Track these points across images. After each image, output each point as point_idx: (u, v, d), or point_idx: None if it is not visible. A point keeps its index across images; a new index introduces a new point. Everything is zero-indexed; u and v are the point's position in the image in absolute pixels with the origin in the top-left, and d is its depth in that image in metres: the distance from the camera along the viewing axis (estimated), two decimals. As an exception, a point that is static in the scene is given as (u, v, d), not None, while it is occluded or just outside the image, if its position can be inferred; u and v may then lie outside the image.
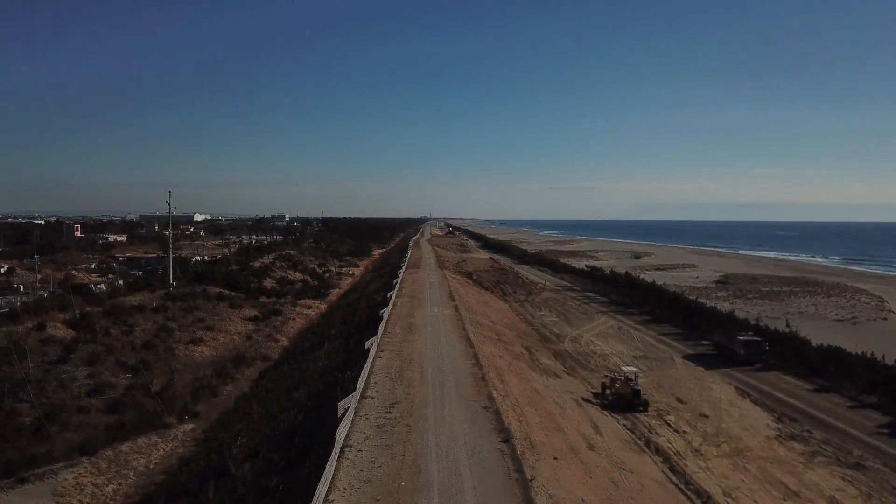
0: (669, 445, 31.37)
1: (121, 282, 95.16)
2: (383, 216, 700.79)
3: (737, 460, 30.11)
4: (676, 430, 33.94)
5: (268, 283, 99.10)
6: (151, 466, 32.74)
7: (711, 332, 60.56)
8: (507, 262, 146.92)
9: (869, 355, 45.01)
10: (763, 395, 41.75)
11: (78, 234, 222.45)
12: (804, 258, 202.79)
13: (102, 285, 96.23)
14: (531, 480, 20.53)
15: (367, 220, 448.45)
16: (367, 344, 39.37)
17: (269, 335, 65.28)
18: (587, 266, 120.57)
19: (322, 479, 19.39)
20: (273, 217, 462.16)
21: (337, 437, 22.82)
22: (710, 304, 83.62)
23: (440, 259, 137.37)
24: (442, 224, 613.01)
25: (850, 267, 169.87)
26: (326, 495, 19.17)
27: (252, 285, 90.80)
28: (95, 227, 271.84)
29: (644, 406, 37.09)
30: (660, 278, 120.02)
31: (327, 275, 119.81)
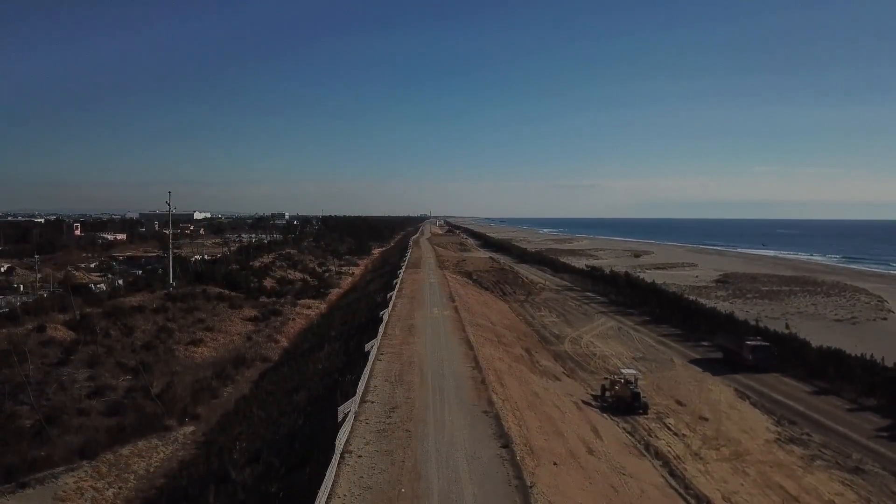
0: (669, 449, 31.40)
1: (121, 281, 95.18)
2: (383, 214, 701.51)
3: (736, 464, 30.13)
4: (676, 434, 33.96)
5: (268, 282, 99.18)
6: (152, 470, 32.78)
7: (712, 333, 60.55)
8: (506, 261, 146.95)
9: (868, 357, 45.04)
10: (762, 398, 41.77)
11: (77, 232, 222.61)
12: (804, 257, 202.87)
13: (102, 285, 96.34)
14: (531, 487, 20.55)
15: (366, 218, 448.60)
16: (367, 346, 39.42)
17: (269, 336, 65.33)
18: (587, 266, 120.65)
19: (322, 487, 19.42)
20: (273, 215, 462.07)
21: (337, 442, 22.85)
22: (709, 303, 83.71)
23: (440, 258, 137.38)
24: (442, 222, 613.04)
25: (849, 266, 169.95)
26: (327, 502, 19.21)
27: (252, 285, 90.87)
28: (95, 225, 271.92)
29: (644, 409, 37.10)
30: (659, 277, 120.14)
31: (327, 274, 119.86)
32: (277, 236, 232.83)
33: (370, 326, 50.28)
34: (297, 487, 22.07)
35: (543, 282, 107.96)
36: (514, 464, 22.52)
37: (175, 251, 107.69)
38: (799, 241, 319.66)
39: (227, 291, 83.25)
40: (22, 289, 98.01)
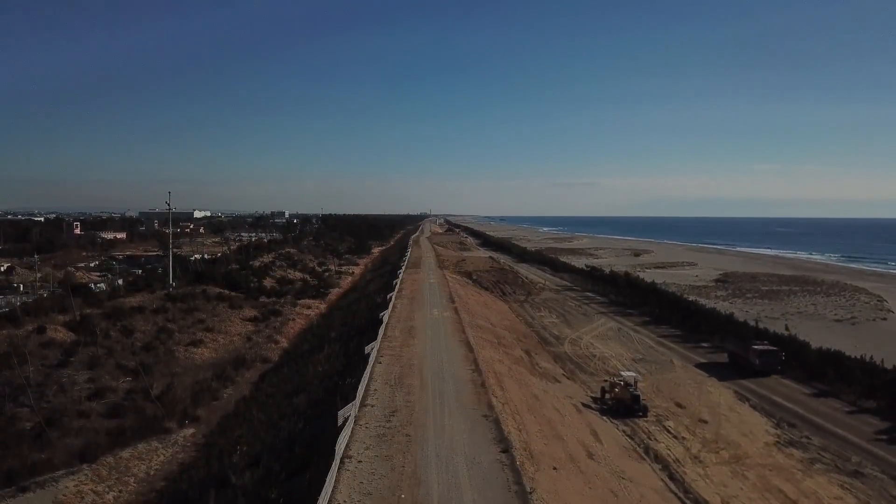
0: (668, 452, 31.44)
1: (120, 281, 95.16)
2: (383, 212, 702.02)
3: (736, 467, 30.17)
4: (676, 437, 34.00)
5: (267, 282, 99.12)
6: (152, 473, 32.78)
7: (711, 334, 60.64)
8: (506, 260, 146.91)
9: (868, 359, 45.13)
10: (762, 400, 41.81)
11: (77, 231, 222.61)
12: (803, 256, 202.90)
13: (102, 284, 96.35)
14: (531, 493, 20.58)
15: (366, 217, 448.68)
16: (367, 349, 39.44)
17: (268, 336, 65.31)
18: (587, 265, 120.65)
19: (322, 493, 19.45)
20: (273, 214, 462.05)
21: (337, 447, 22.88)
22: (709, 303, 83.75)
23: (440, 258, 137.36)
24: (442, 221, 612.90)
25: (849, 265, 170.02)
26: (327, 509, 19.24)
27: (252, 285, 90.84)
28: (95, 224, 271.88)
29: (643, 411, 37.13)
30: (659, 277, 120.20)
31: (327, 274, 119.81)
32: (277, 235, 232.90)
33: (370, 328, 50.30)
34: (297, 493, 22.10)
35: (543, 281, 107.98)
36: (513, 469, 22.55)
37: (175, 251, 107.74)
38: (799, 239, 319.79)
39: (226, 291, 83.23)
40: (22, 288, 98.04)
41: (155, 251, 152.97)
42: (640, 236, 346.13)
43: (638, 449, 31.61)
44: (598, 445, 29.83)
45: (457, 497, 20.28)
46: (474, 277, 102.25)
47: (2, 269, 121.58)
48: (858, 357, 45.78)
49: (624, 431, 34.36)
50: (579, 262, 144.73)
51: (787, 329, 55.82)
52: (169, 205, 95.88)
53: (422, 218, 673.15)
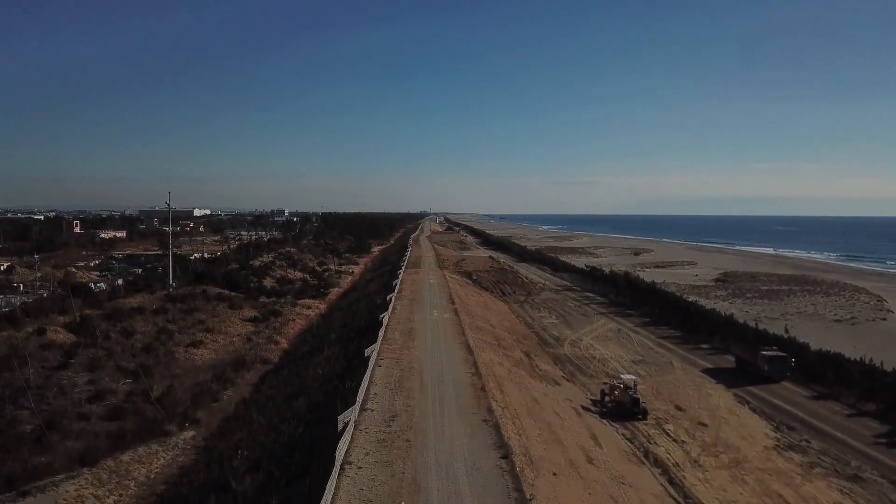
0: (668, 456, 31.48)
1: (120, 281, 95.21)
2: (383, 210, 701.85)
3: (735, 471, 30.22)
4: (675, 440, 34.03)
5: (267, 282, 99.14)
6: (152, 476, 32.80)
7: (711, 334, 60.67)
8: (506, 260, 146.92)
9: (868, 361, 45.20)
10: (761, 403, 41.85)
11: (77, 230, 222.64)
12: (803, 255, 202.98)
13: (102, 284, 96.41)
14: (530, 500, 20.60)
15: (366, 215, 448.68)
16: (367, 352, 39.44)
17: (268, 337, 65.31)
18: (587, 265, 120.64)
19: (323, 500, 19.46)
20: (272, 212, 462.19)
21: (337, 453, 22.90)
22: (709, 303, 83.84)
23: (440, 258, 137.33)
24: (442, 219, 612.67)
25: (848, 264, 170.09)
26: (327, 515, 19.27)
27: (252, 285, 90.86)
28: (95, 222, 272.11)
29: (643, 414, 37.17)
30: (659, 276, 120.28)
31: (327, 273, 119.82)
32: (277, 234, 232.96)
33: (370, 329, 50.32)
34: (298, 499, 22.15)
35: (543, 281, 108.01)
36: (513, 475, 22.56)
37: (175, 250, 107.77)
38: (798, 238, 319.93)
39: (226, 292, 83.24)
40: (22, 288, 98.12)
41: (155, 250, 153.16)
42: (640, 235, 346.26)
43: (638, 453, 31.66)
44: (597, 450, 29.86)
45: (457, 504, 20.31)
46: (474, 277, 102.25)
47: (2, 268, 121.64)
48: (858, 359, 45.86)
49: (623, 435, 34.40)
50: (579, 262, 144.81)
51: (786, 331, 55.82)
52: (169, 204, 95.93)
53: (422, 216, 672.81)
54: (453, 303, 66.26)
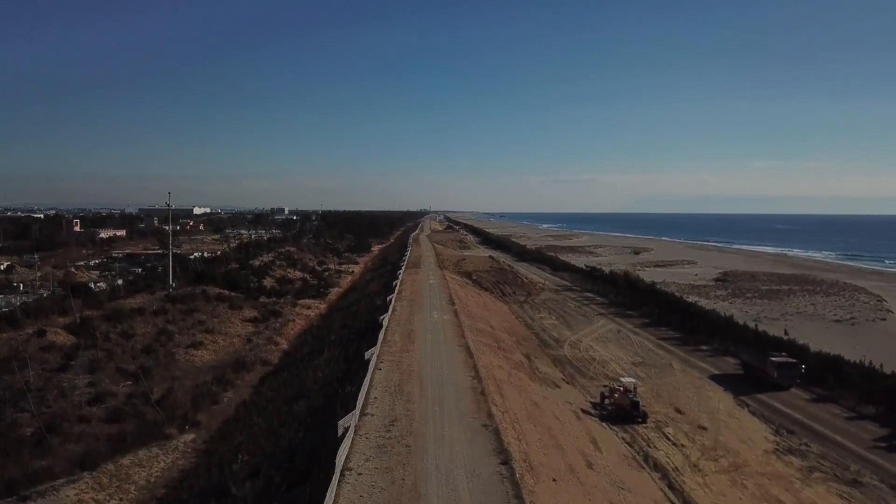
0: (668, 460, 31.51)
1: (120, 281, 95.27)
2: (383, 209, 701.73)
3: (735, 476, 30.25)
4: (675, 444, 34.06)
5: (267, 282, 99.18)
6: (152, 480, 32.86)
7: (711, 336, 60.66)
8: (506, 259, 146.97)
9: (867, 363, 45.20)
10: (761, 405, 41.88)
11: (77, 228, 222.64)
12: (803, 253, 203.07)
13: (102, 283, 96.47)
14: (530, 507, 20.63)
15: (366, 214, 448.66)
16: (367, 355, 39.45)
17: (268, 338, 65.35)
18: (586, 265, 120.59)
19: (322, 508, 19.51)
20: (272, 210, 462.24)
21: (337, 459, 22.92)
22: (709, 303, 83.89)
23: (440, 257, 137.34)
24: (441, 218, 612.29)
25: (848, 263, 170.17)
26: (327, 524, 19.30)
27: (252, 285, 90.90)
28: (94, 221, 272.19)
29: (643, 418, 37.19)
30: (659, 276, 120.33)
31: (327, 273, 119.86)
32: (277, 232, 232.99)
33: (370, 331, 50.35)
34: (298, 506, 22.19)
35: (543, 281, 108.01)
36: (513, 482, 22.58)
37: (174, 250, 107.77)
38: (798, 236, 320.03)
39: (226, 292, 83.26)
40: (22, 288, 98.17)
41: (155, 249, 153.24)
42: (640, 233, 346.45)
43: (637, 457, 31.68)
44: (597, 454, 29.89)
45: (456, 511, 20.33)
46: (474, 278, 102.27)
47: (1, 267, 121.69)
48: (858, 361, 45.86)
49: (623, 439, 34.43)
50: (579, 261, 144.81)
51: (786, 333, 55.82)
52: (169, 205, 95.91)
53: (422, 215, 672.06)
54: (453, 304, 66.28)
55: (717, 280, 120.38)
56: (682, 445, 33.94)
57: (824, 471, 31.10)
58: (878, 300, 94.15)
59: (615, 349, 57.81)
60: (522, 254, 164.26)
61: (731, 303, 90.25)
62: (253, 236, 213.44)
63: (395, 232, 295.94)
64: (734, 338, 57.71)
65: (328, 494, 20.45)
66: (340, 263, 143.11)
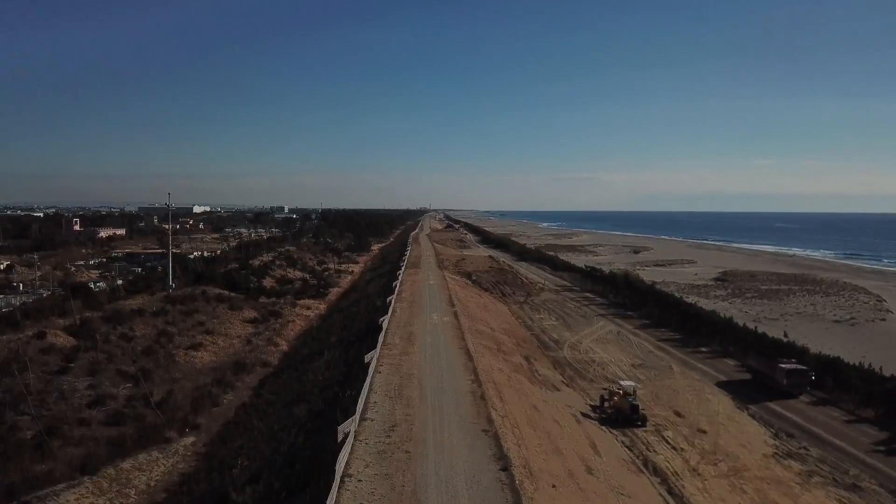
0: (667, 465, 31.54)
1: (120, 282, 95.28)
2: (383, 207, 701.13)
3: (734, 480, 30.27)
4: (674, 448, 34.09)
5: (267, 282, 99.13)
6: (153, 484, 32.87)
7: (711, 337, 60.68)
8: (506, 259, 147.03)
9: (867, 365, 45.16)
10: (761, 408, 41.90)
11: (77, 227, 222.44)
12: (803, 253, 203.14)
13: (102, 283, 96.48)
14: (530, 515, 20.67)
15: (366, 212, 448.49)
16: (367, 358, 39.47)
17: (268, 339, 65.37)
18: (586, 265, 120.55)
19: (323, 515, 19.54)
20: (272, 209, 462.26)
21: (337, 466, 22.95)
22: (709, 303, 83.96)
23: (439, 257, 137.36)
24: (441, 216, 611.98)
25: (848, 262, 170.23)
26: (327, 532, 19.32)
27: (252, 285, 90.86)
28: (94, 219, 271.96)
29: (642, 421, 37.21)
30: (659, 275, 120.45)
31: (326, 273, 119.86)
32: (277, 231, 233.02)
33: (370, 333, 50.37)
34: (298, 513, 22.21)
35: (543, 281, 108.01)
36: (513, 488, 22.61)
37: (174, 250, 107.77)
38: (798, 235, 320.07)
39: (226, 292, 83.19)
40: (22, 288, 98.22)
41: (155, 248, 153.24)
42: (640, 232, 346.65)
43: (637, 461, 31.72)
44: (597, 459, 29.92)
45: (456, 519, 20.35)
46: (474, 278, 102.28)
47: (1, 266, 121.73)
48: (857, 364, 45.83)
49: (623, 442, 34.46)
50: (579, 260, 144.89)
51: (785, 335, 55.79)
52: (168, 205, 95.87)
53: (421, 213, 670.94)
54: (453, 305, 66.30)
55: (716, 280, 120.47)
56: (682, 449, 33.96)
57: (823, 475, 31.13)
58: (877, 300, 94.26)
59: (615, 351, 57.83)
60: (522, 253, 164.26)
61: (730, 303, 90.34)
62: (253, 235, 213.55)
63: (395, 231, 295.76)
64: (734, 339, 57.76)
65: (328, 502, 20.49)
66: (340, 263, 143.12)
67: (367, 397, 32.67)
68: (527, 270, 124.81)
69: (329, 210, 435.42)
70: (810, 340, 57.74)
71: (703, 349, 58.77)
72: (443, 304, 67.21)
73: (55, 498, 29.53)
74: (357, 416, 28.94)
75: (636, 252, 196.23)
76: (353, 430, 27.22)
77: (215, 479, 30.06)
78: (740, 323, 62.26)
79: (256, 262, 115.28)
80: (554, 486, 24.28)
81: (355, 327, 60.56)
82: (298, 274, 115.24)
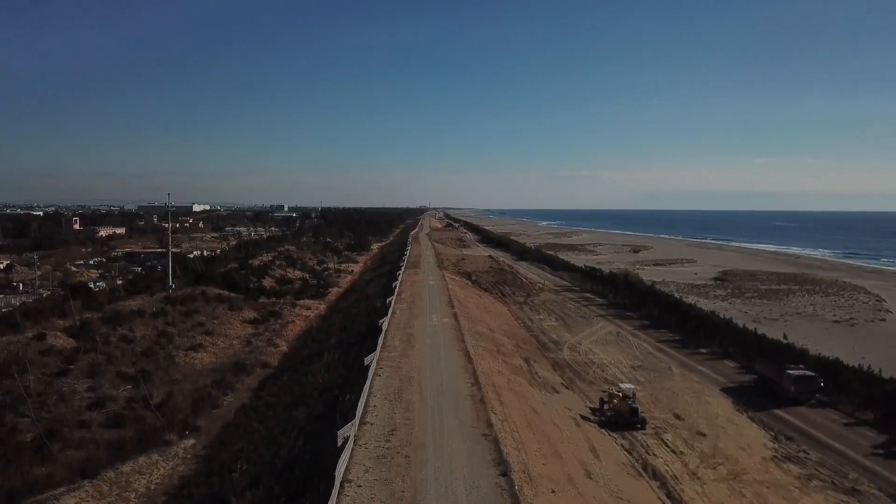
0: (667, 468, 31.56)
1: (120, 281, 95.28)
2: (383, 205, 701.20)
3: (733, 484, 30.30)
4: (674, 451, 34.10)
5: (267, 282, 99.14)
6: (153, 487, 32.87)
7: (711, 338, 60.67)
8: (505, 258, 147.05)
9: (866, 367, 45.16)
10: (760, 410, 41.90)
11: (76, 226, 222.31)
12: (803, 251, 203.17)
13: (102, 283, 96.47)
14: (529, 521, 20.69)
15: (365, 211, 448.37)
16: (367, 360, 39.50)
17: (268, 340, 65.37)
18: (586, 265, 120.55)
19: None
20: (272, 208, 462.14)
21: (337, 471, 22.98)
22: (709, 304, 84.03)
23: (439, 256, 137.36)
24: (441, 215, 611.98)
25: (848, 261, 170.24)
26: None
27: (251, 285, 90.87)
28: (94, 218, 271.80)
29: (642, 424, 37.21)
30: (658, 275, 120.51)
31: (326, 273, 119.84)
32: (276, 230, 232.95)
33: (369, 335, 50.40)
34: (298, 518, 22.24)
35: (542, 281, 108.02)
36: (512, 494, 22.64)
37: (174, 249, 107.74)
38: (798, 234, 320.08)
39: (226, 292, 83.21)
40: (21, 287, 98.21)
41: (155, 248, 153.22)
42: (640, 230, 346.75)
43: (636, 465, 31.75)
44: (596, 463, 29.95)
45: (456, 526, 20.38)
46: (473, 278, 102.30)
47: (1, 266, 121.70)
48: (857, 365, 45.85)
49: (622, 446, 34.47)
50: (579, 259, 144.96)
51: (784, 336, 55.81)
52: (168, 205, 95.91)
53: (421, 212, 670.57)
54: (453, 306, 66.31)
55: (716, 279, 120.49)
56: (681, 452, 33.99)
57: (822, 479, 31.16)
58: (877, 300, 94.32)
59: (614, 352, 57.85)
60: (522, 253, 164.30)
61: (730, 303, 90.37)
62: (252, 234, 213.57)
63: (395, 230, 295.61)
64: (734, 341, 57.76)
65: (328, 508, 20.53)
66: (340, 262, 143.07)
67: (367, 401, 32.70)
68: (526, 270, 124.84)
69: (329, 209, 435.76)
70: (810, 341, 57.81)
71: (703, 350, 58.77)
72: (442, 305, 67.23)
73: (55, 502, 29.55)
74: (357, 419, 28.97)
75: (636, 251, 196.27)
76: (352, 434, 27.25)
77: (215, 483, 30.08)
78: (740, 324, 62.26)
79: (256, 262, 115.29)
80: (553, 492, 24.31)
81: (355, 328, 60.58)
82: (298, 274, 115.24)
